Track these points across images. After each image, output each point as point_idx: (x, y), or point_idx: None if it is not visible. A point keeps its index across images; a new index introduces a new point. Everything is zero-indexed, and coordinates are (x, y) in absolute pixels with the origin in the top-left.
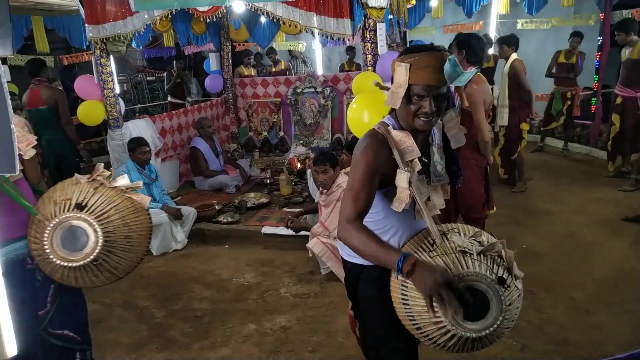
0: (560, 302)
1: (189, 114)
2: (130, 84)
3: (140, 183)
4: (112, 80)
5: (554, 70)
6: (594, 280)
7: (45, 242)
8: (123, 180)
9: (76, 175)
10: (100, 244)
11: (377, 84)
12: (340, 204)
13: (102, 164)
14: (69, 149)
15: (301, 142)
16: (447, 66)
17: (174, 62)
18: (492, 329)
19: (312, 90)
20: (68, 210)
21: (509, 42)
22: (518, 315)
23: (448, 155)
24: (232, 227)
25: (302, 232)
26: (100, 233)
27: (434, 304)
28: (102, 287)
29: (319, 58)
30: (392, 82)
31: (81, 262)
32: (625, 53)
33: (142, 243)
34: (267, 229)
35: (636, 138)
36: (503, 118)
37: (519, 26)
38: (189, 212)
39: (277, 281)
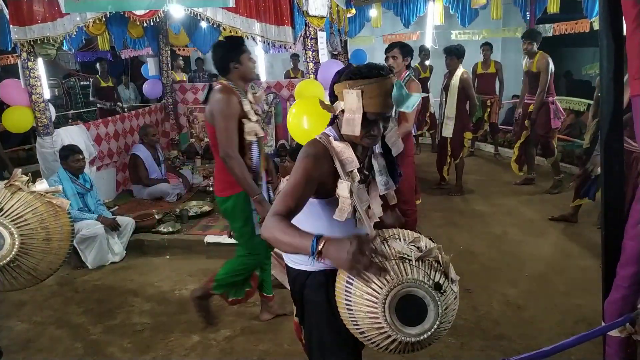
0: (494, 299)
1: (126, 120)
2: (62, 89)
3: (60, 187)
4: (41, 84)
5: (475, 82)
6: (525, 276)
7: None
8: (41, 185)
9: None
10: (16, 247)
11: (322, 103)
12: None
13: (20, 169)
14: None
15: None
16: (395, 92)
17: (97, 65)
18: (429, 333)
19: None
20: None
21: (458, 53)
22: (455, 316)
23: (389, 160)
24: (173, 237)
25: None
26: (16, 236)
27: (364, 276)
28: (31, 304)
29: (261, 64)
30: (330, 96)
31: None
32: (525, 64)
33: (62, 246)
34: (210, 238)
35: (547, 143)
36: (448, 130)
37: (453, 37)
38: (127, 222)
39: None
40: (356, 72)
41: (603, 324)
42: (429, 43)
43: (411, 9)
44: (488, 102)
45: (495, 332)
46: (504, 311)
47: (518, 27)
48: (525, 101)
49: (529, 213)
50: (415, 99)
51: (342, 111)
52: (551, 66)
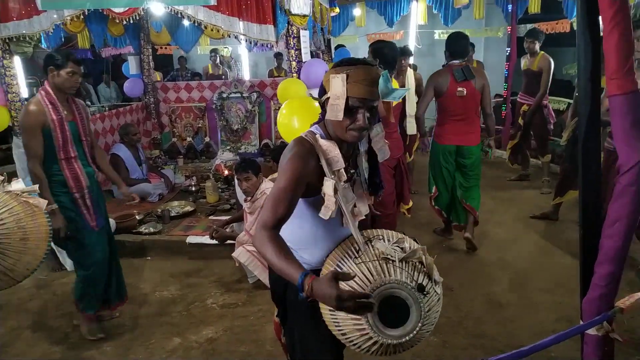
0: (477, 297)
1: (106, 119)
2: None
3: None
4: (17, 83)
5: None
6: (507, 275)
7: None
8: (17, 185)
9: None
10: None
11: (310, 95)
12: (262, 209)
13: None
14: None
15: (228, 147)
16: (380, 82)
17: None
18: (412, 335)
19: (239, 95)
20: None
21: (404, 54)
22: (438, 317)
23: (372, 167)
24: (154, 238)
25: (229, 241)
26: None
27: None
28: (7, 308)
29: (245, 63)
30: (319, 93)
31: None
32: (525, 63)
33: (40, 246)
34: (192, 239)
35: (543, 143)
36: (412, 128)
37: (436, 36)
38: None
39: (203, 292)
40: (343, 62)
41: (582, 322)
42: (412, 42)
43: (395, 8)
44: None
45: (478, 330)
46: (486, 309)
47: (500, 27)
48: (519, 100)
49: (510, 211)
50: (401, 92)
51: (328, 99)
52: (552, 67)
